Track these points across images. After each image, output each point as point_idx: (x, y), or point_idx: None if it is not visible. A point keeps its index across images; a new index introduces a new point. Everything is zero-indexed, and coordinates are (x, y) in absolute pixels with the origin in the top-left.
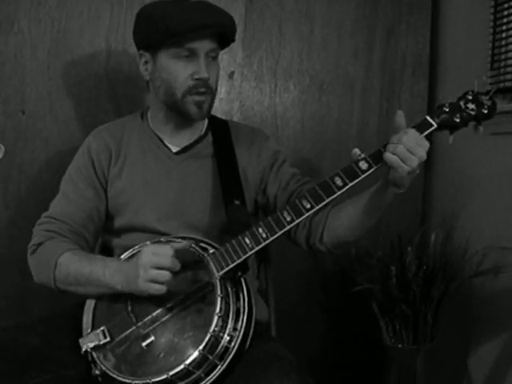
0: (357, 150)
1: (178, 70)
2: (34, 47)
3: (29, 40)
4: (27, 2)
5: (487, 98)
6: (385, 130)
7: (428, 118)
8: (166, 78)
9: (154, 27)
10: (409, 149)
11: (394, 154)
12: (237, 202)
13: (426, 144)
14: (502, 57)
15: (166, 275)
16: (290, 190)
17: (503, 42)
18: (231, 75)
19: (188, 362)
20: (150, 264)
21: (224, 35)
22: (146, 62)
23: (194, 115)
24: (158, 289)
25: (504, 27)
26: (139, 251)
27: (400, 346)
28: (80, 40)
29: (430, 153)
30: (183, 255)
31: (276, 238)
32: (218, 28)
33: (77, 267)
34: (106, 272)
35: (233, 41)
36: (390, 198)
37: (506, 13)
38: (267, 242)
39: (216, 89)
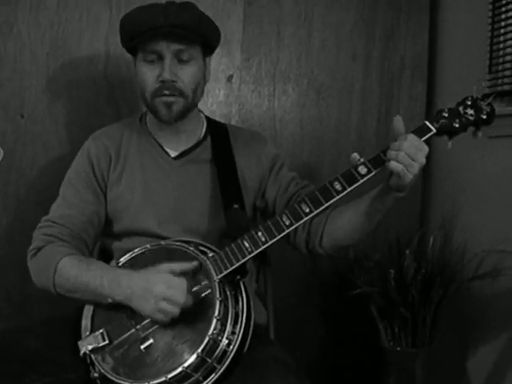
0: (356, 155)
1: (146, 73)
2: (33, 50)
3: (28, 43)
4: (26, 5)
5: (486, 103)
6: (383, 133)
7: (427, 123)
8: (139, 82)
9: (122, 33)
10: (410, 155)
11: (398, 161)
12: (236, 206)
13: (426, 148)
14: (500, 60)
15: (176, 311)
16: (289, 193)
17: (501, 46)
18: (230, 78)
19: (186, 364)
20: (164, 296)
21: (187, 36)
22: (134, 67)
23: (164, 116)
24: (164, 321)
25: (502, 31)
26: (140, 255)
27: (399, 348)
28: (79, 43)
29: (428, 156)
30: (182, 258)
31: (275, 241)
32: (169, 28)
33: (76, 274)
34: (105, 283)
35: (211, 41)
36: (390, 201)
37: (503, 16)
38: (266, 245)
39: (194, 93)
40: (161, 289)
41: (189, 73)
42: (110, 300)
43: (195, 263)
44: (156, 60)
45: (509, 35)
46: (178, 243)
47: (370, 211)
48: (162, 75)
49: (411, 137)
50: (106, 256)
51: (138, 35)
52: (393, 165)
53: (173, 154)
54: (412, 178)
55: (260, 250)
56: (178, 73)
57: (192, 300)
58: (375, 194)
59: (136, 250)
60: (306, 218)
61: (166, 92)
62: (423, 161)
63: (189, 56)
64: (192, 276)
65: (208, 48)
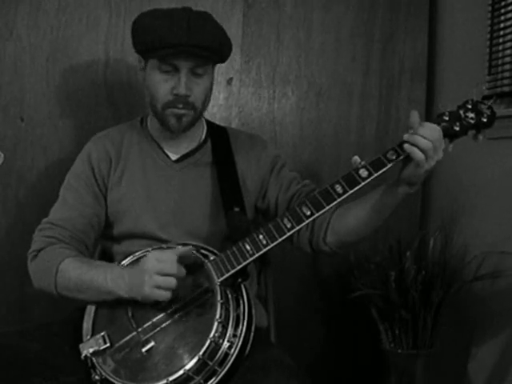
0: (357, 158)
1: (159, 83)
2: (33, 54)
3: (27, 47)
4: (26, 9)
5: (486, 106)
6: (383, 136)
7: None
8: (150, 88)
9: (139, 38)
10: (435, 147)
11: (422, 148)
12: (236, 209)
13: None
14: (499, 62)
15: (172, 282)
16: (290, 192)
17: (500, 48)
18: (230, 81)
19: (188, 367)
20: (156, 270)
21: (208, 56)
22: (142, 68)
23: (173, 127)
24: (164, 295)
25: (501, 32)
26: (142, 257)
27: (399, 350)
28: (78, 47)
29: None
30: (184, 261)
31: (276, 244)
32: (192, 48)
33: (78, 274)
34: (108, 278)
35: (226, 57)
36: (399, 197)
37: (502, 18)
38: (267, 248)
39: (203, 105)
40: (151, 264)
41: (202, 87)
42: (113, 296)
43: (190, 247)
44: (171, 71)
45: (508, 37)
46: (179, 246)
47: (378, 207)
48: (178, 89)
49: (438, 130)
50: (107, 259)
51: (158, 49)
52: (417, 154)
53: (173, 157)
54: (428, 168)
55: (261, 252)
56: (192, 87)
57: (184, 270)
58: (384, 189)
59: (137, 253)
60: (307, 221)
61: (179, 105)
62: (441, 155)
63: (203, 71)
64: (193, 279)
65: (219, 61)
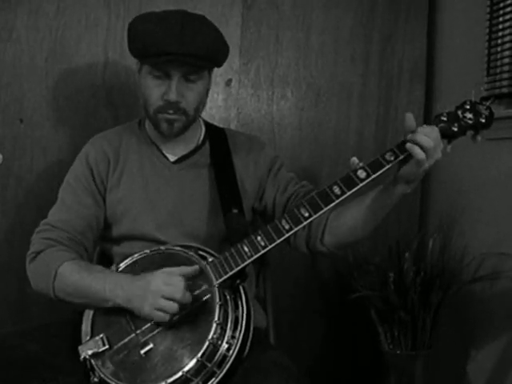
0: (355, 159)
1: (151, 88)
2: (32, 56)
3: (26, 48)
4: (25, 10)
5: (485, 107)
6: (382, 136)
7: None
8: (143, 92)
9: (133, 43)
10: (435, 146)
11: (423, 147)
12: (235, 211)
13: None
14: (498, 63)
15: (174, 307)
16: (288, 193)
17: (499, 49)
18: (228, 83)
19: (186, 369)
20: (161, 294)
21: (198, 63)
22: (138, 71)
23: (165, 131)
24: (163, 317)
25: (500, 33)
26: (140, 259)
27: (398, 352)
28: (78, 49)
29: None
30: (182, 263)
31: (274, 246)
32: (184, 57)
33: (76, 279)
34: (107, 287)
35: (221, 62)
36: (396, 197)
37: (501, 19)
38: (266, 250)
39: (196, 110)
40: (158, 286)
41: (195, 93)
42: (110, 304)
43: (196, 267)
44: (163, 76)
45: (506, 38)
46: (177, 248)
47: (374, 207)
48: (168, 95)
49: (435, 129)
50: (106, 261)
51: (149, 56)
52: (419, 153)
53: (172, 158)
54: (427, 168)
55: (259, 254)
56: (184, 93)
57: (190, 298)
58: (381, 190)
59: (136, 254)
60: (305, 223)
61: (170, 111)
62: (440, 155)
63: (197, 77)
64: (192, 281)
65: (214, 66)
